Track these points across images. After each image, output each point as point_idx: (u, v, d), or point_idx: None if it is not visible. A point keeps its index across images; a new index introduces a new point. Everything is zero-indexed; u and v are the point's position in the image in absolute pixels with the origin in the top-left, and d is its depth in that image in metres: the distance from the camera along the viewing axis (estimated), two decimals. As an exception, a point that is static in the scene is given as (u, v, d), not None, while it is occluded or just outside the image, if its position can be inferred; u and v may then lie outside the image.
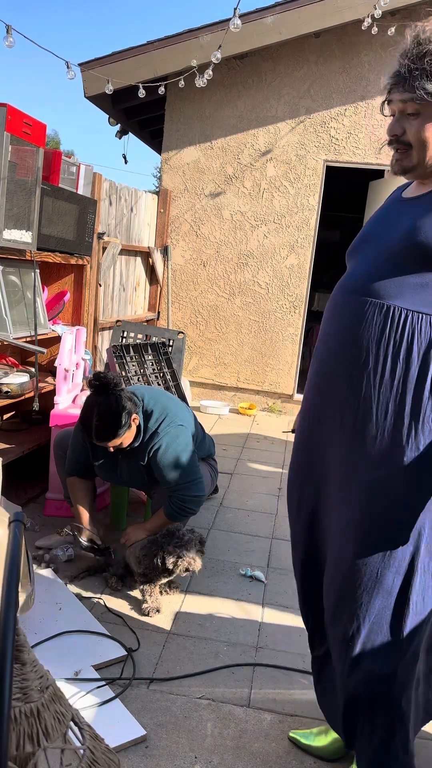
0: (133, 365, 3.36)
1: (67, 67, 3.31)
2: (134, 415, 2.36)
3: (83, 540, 2.43)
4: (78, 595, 2.23)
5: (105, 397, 2.30)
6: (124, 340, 3.79)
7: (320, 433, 1.40)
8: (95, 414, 2.27)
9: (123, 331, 3.80)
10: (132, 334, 3.82)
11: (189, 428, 2.55)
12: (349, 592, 1.33)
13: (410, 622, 1.30)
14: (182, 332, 3.77)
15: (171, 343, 3.72)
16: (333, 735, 1.62)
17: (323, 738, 1.63)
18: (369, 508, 1.28)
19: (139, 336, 3.82)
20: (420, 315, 1.22)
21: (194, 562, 2.15)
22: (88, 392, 2.44)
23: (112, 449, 2.38)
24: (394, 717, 1.33)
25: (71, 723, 0.77)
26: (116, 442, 2.33)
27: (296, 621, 2.23)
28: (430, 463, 1.24)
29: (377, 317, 1.26)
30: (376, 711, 1.34)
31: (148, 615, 2.18)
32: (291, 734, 1.67)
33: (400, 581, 1.29)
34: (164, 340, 3.67)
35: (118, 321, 3.89)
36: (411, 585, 1.29)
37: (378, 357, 1.26)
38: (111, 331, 4.26)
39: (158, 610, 2.19)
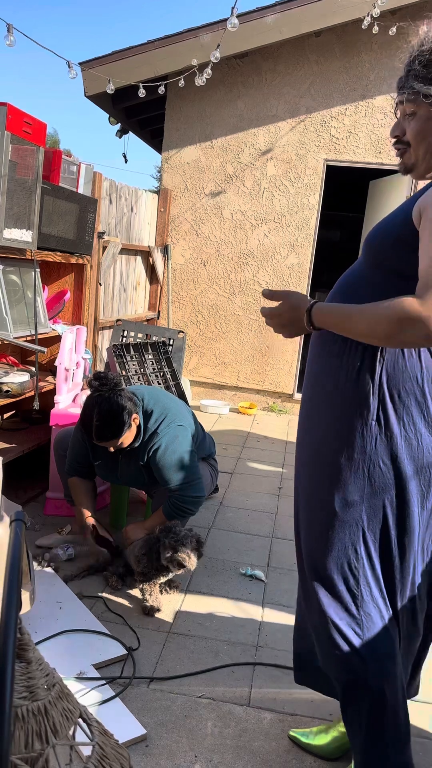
0: (133, 364, 3.36)
1: (69, 66, 3.31)
2: (134, 415, 2.36)
3: (100, 531, 2.43)
4: (78, 594, 2.24)
5: (105, 397, 2.30)
6: (124, 339, 3.79)
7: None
8: (95, 414, 2.27)
9: (123, 331, 3.80)
10: (132, 334, 3.82)
11: (189, 428, 2.55)
12: (309, 581, 1.39)
13: (369, 610, 1.33)
14: (182, 331, 3.77)
15: (171, 343, 3.72)
16: (332, 734, 1.63)
17: (323, 737, 1.63)
18: (307, 494, 1.38)
19: (140, 335, 3.82)
20: None
21: (188, 558, 2.14)
22: (88, 392, 2.44)
23: (112, 449, 2.38)
24: (377, 705, 1.33)
25: (80, 720, 0.77)
26: (116, 442, 2.33)
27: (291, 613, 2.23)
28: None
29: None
30: (357, 700, 1.35)
31: (148, 614, 2.18)
32: (291, 733, 1.68)
33: (348, 572, 1.33)
34: (164, 339, 3.67)
35: (118, 320, 3.89)
36: (359, 575, 1.32)
37: (320, 356, 1.34)
38: (111, 330, 4.26)
39: (158, 609, 2.20)
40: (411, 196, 1.32)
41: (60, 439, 2.75)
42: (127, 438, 2.35)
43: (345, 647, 1.33)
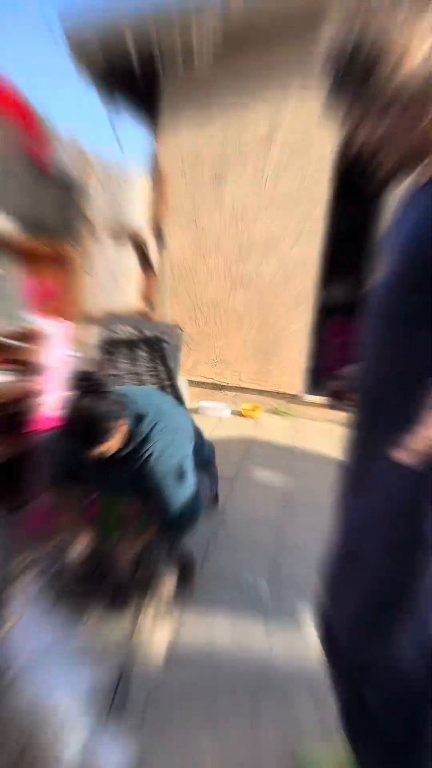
0: (123, 362, 3.16)
1: (61, 39, 3.05)
2: (121, 421, 2.13)
3: (73, 556, 2.27)
4: (69, 614, 2.09)
5: (89, 399, 2.07)
6: (114, 334, 3.56)
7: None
8: (78, 419, 2.05)
9: (113, 325, 3.56)
10: (123, 328, 3.59)
11: (185, 432, 2.34)
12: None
13: None
14: (179, 327, 3.53)
15: (166, 339, 3.48)
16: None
17: (329, 756, 1.55)
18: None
19: (131, 330, 3.59)
20: None
21: (161, 581, 2.07)
22: (73, 393, 2.23)
23: (98, 456, 2.15)
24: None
25: None
26: (101, 448, 2.10)
27: (301, 635, 2.11)
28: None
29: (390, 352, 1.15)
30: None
31: (143, 634, 2.03)
32: (296, 751, 1.61)
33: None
34: (158, 334, 3.43)
35: (107, 313, 3.65)
36: None
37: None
38: (99, 324, 4.04)
39: (155, 629, 2.06)
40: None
41: (43, 443, 2.53)
42: (113, 445, 2.12)
43: None
